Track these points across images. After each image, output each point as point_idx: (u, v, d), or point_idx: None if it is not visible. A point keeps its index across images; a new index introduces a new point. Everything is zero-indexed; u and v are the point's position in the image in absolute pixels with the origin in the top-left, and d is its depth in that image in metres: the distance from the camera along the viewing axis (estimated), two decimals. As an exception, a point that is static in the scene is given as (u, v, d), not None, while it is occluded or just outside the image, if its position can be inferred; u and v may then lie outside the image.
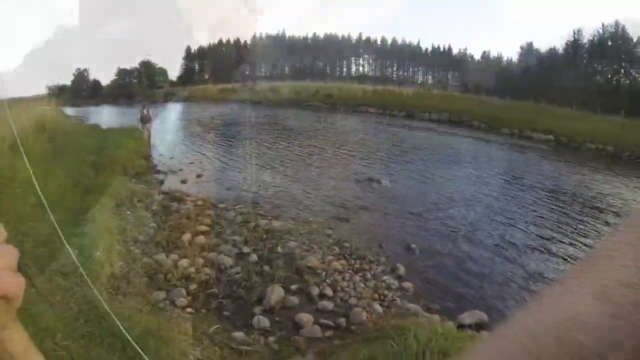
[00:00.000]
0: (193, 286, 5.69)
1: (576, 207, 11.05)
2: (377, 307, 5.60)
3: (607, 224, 9.68)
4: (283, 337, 4.68)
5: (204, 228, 7.80)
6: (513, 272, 7.08)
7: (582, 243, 8.48)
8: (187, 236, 7.27)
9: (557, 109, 32.33)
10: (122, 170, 10.96)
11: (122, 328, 3.11)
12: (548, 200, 11.54)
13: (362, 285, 6.19)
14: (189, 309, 5.08)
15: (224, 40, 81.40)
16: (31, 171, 3.46)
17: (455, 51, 66.53)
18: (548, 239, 8.60)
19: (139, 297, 4.84)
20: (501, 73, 55.44)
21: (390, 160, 16.25)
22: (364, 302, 5.69)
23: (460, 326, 4.85)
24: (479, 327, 5.20)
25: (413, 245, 7.84)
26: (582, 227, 9.49)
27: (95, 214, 6.93)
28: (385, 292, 6.07)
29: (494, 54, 63.56)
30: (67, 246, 3.90)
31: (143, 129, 16.14)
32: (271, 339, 4.60)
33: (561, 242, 8.55)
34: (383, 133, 24.40)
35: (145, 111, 15.94)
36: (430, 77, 68.46)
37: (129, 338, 2.88)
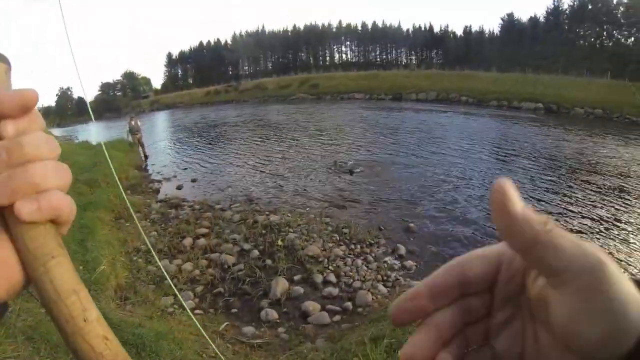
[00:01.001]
0: (199, 288, 5.79)
1: (574, 173, 11.17)
2: (382, 287, 5.72)
3: (610, 188, 9.85)
4: (292, 327, 4.80)
5: (203, 230, 7.88)
6: None
7: (582, 212, 8.57)
8: (188, 240, 7.36)
9: (543, 76, 32.26)
10: (116, 182, 10.99)
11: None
12: (544, 169, 11.65)
13: (365, 268, 6.29)
14: (197, 311, 5.18)
15: (204, 43, 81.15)
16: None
17: (436, 29, 66.52)
18: (548, 211, 8.63)
19: (147, 305, 4.93)
20: (484, 47, 55.36)
21: (381, 143, 16.31)
22: (368, 284, 5.80)
23: None
24: None
25: (411, 225, 7.96)
26: (580, 194, 9.59)
27: (95, 229, 7.00)
28: (388, 272, 6.19)
29: (475, 28, 63.61)
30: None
31: (133, 140, 16.12)
32: (280, 329, 4.71)
33: (561, 213, 8.61)
34: (370, 117, 24.41)
35: (133, 122, 15.88)
36: (413, 57, 68.35)
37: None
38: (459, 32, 64.38)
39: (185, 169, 14.63)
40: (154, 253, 3.49)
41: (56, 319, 0.38)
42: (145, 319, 4.34)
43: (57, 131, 30.32)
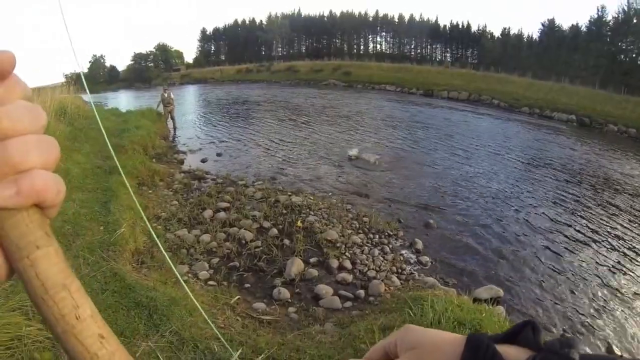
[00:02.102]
0: (215, 260, 5.82)
1: (598, 190, 10.83)
2: (395, 279, 5.67)
3: (632, 209, 9.53)
4: (302, 308, 4.78)
5: (224, 204, 7.91)
6: (529, 251, 7.05)
7: (601, 227, 8.38)
8: (208, 212, 7.40)
9: (579, 88, 31.28)
10: (142, 150, 11.13)
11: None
12: (567, 182, 11.36)
13: (381, 258, 6.25)
14: (211, 282, 5.20)
15: (239, 21, 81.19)
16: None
17: (474, 28, 65.15)
18: (566, 223, 8.48)
19: (162, 271, 4.97)
20: (521, 51, 53.97)
21: (409, 138, 16.13)
22: (383, 274, 5.76)
23: (476, 300, 4.88)
24: (494, 301, 5.29)
25: (431, 221, 7.88)
26: (601, 210, 9.34)
27: (118, 193, 7.09)
28: (404, 265, 6.15)
29: (514, 30, 62.11)
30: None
31: (164, 111, 16.24)
32: (291, 309, 4.70)
33: (579, 224, 8.44)
34: (400, 111, 24.14)
35: (166, 94, 15.98)
36: (448, 54, 67.08)
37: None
38: (497, 33, 62.95)
39: (211, 143, 14.72)
40: (159, 244, 3.45)
41: (45, 317, 0.35)
42: (160, 283, 4.37)
43: (88, 97, 30.80)
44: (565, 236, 7.80)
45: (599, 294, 5.95)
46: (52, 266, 0.34)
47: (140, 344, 3.15)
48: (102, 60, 74.84)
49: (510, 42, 57.45)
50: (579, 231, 8.10)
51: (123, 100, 33.29)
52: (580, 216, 8.88)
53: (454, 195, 9.62)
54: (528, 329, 0.40)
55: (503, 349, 0.39)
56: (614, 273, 6.59)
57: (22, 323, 2.84)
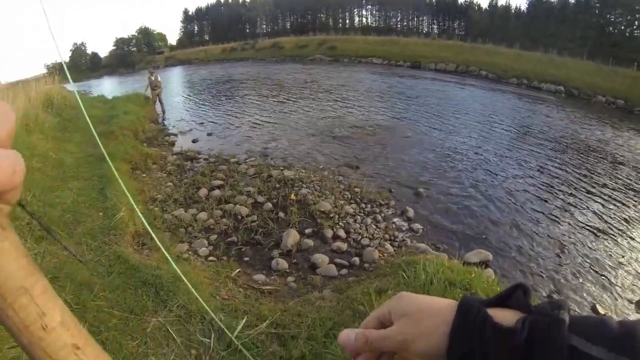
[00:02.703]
0: (213, 237, 5.98)
1: (584, 158, 10.99)
2: (389, 246, 5.87)
3: (615, 176, 9.71)
4: (301, 277, 4.98)
5: (218, 182, 8.05)
6: (515, 218, 7.21)
7: (587, 193, 8.56)
8: (203, 191, 7.54)
9: (567, 59, 31.03)
10: (133, 135, 11.17)
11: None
12: (554, 150, 11.50)
13: (374, 226, 6.44)
14: (211, 258, 5.38)
15: (222, 0, 79.65)
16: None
17: None
18: (552, 190, 8.65)
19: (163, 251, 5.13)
20: (509, 22, 53.41)
21: (397, 109, 16.18)
22: (376, 242, 5.95)
23: (466, 264, 5.06)
24: (484, 265, 5.50)
25: (421, 190, 8.07)
26: (586, 177, 9.49)
27: (113, 179, 7.19)
28: (396, 233, 6.34)
29: (501, 2, 61.30)
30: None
31: (152, 95, 16.17)
32: (290, 279, 4.89)
33: (565, 192, 8.59)
34: (388, 83, 24.07)
35: (153, 77, 15.85)
36: (435, 26, 66.12)
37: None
38: (484, 4, 62.24)
39: (201, 123, 14.73)
40: (150, 231, 3.59)
41: (6, 328, 0.31)
42: (162, 262, 4.53)
43: (71, 85, 30.32)
44: (551, 203, 8.00)
45: (585, 257, 6.16)
46: (8, 264, 0.29)
47: (150, 319, 3.34)
48: (83, 48, 73.47)
49: (498, 14, 56.84)
50: (564, 198, 8.28)
51: (108, 87, 32.88)
52: (567, 184, 9.05)
53: (442, 165, 9.76)
54: (519, 292, 0.43)
55: (494, 312, 0.42)
56: (598, 237, 6.79)
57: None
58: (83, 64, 69.42)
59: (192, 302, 3.61)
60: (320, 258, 5.38)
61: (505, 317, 0.41)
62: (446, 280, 3.69)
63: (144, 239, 5.48)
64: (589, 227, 7.09)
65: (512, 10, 57.60)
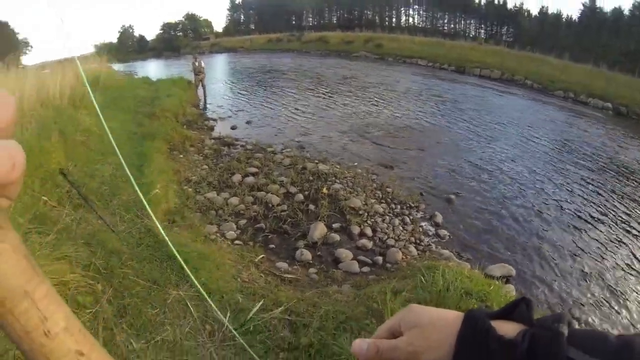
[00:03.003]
0: (242, 221, 6.10)
1: (627, 184, 10.17)
2: (413, 249, 5.84)
3: None
4: (322, 270, 5.02)
5: (253, 170, 8.18)
6: (544, 239, 6.89)
7: (630, 225, 7.86)
8: (237, 177, 7.69)
9: (618, 75, 29.33)
10: (174, 117, 11.46)
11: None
12: (598, 173, 10.74)
13: (401, 228, 6.40)
14: (237, 241, 5.49)
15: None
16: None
17: (510, 4, 62.42)
18: (590, 215, 8.05)
19: (192, 229, 5.28)
20: (559, 31, 51.57)
21: (437, 113, 15.93)
22: (401, 243, 5.93)
23: (488, 276, 4.94)
24: (506, 280, 5.38)
25: (453, 197, 7.94)
26: (633, 207, 8.74)
27: (152, 157, 7.42)
28: (422, 237, 6.29)
29: (552, 9, 59.00)
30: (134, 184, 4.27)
31: (195, 80, 16.49)
32: (311, 270, 4.94)
33: (605, 219, 7.97)
34: (431, 85, 23.68)
35: (197, 63, 16.16)
36: (482, 31, 64.53)
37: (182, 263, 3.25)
38: (535, 11, 60.13)
39: (241, 110, 14.96)
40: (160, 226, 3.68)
41: (7, 334, 0.30)
42: (190, 241, 4.66)
43: (118, 66, 31.26)
44: (584, 230, 7.48)
45: (612, 292, 5.72)
46: (7, 267, 0.28)
47: (171, 292, 3.45)
48: (130, 30, 75.54)
49: (548, 21, 54.87)
50: (599, 227, 7.68)
51: (153, 69, 33.70)
52: (608, 211, 8.44)
53: (475, 175, 9.51)
54: (522, 306, 0.45)
55: (498, 324, 0.43)
56: (630, 274, 6.24)
57: (67, 270, 3.15)
58: (130, 46, 71.34)
59: (213, 281, 3.70)
60: (344, 253, 5.40)
61: (509, 329, 0.42)
62: (463, 290, 3.66)
63: (175, 217, 5.65)
64: (621, 263, 6.57)
65: (563, 19, 55.49)
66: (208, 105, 15.79)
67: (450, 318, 0.47)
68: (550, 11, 56.95)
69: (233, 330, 2.98)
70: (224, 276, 3.89)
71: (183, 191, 6.85)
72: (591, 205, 8.56)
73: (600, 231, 7.49)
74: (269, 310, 3.43)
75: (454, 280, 3.75)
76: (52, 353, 0.29)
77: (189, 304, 3.34)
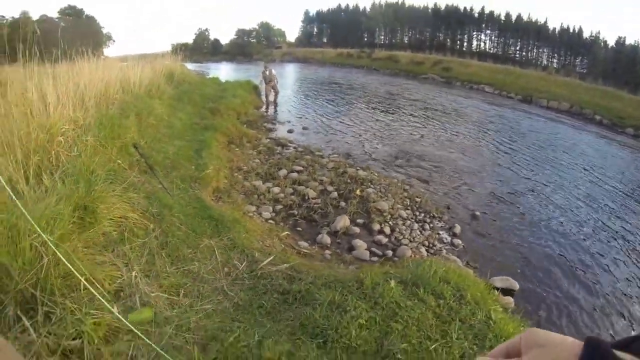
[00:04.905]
0: (279, 206, 6.99)
1: None
2: (423, 251, 6.27)
3: None
4: (337, 253, 5.73)
5: (299, 168, 9.08)
6: (570, 274, 6.44)
7: None
8: (283, 172, 8.64)
9: None
10: (236, 115, 12.67)
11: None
12: None
13: (418, 232, 6.87)
14: (270, 220, 6.38)
15: (342, 6, 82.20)
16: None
17: (586, 34, 59.82)
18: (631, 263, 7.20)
19: (234, 206, 6.23)
20: (636, 64, 48.72)
21: (496, 141, 15.84)
22: (414, 245, 6.41)
23: (489, 286, 4.84)
24: (507, 293, 5.44)
25: (478, 213, 8.11)
26: None
27: (210, 145, 8.53)
28: (436, 242, 6.66)
29: (630, 41, 55.46)
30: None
31: (266, 89, 17.62)
32: (327, 252, 5.67)
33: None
34: (497, 113, 23.29)
35: (267, 72, 17.15)
36: (555, 60, 62.08)
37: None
38: (611, 42, 56.42)
39: (300, 117, 15.94)
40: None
41: None
42: (229, 211, 5.60)
43: (191, 66, 33.56)
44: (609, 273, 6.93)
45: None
46: None
47: (204, 240, 4.39)
48: (206, 33, 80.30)
49: (625, 53, 51.79)
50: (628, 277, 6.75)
51: (224, 71, 35.73)
52: None
53: (515, 202, 9.22)
54: None
55: (619, 353, 0.44)
56: None
57: (129, 210, 4.14)
58: (205, 48, 75.66)
59: (239, 240, 4.59)
60: (360, 243, 6.08)
61: (627, 358, 0.44)
62: (444, 279, 3.97)
63: (222, 195, 6.65)
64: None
65: (641, 52, 51.69)
66: (271, 110, 16.95)
67: (569, 341, 0.50)
68: (627, 42, 53.52)
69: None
70: (250, 238, 4.78)
71: (233, 177, 7.87)
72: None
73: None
74: (277, 265, 4.25)
75: (443, 273, 4.06)
76: None
77: (216, 250, 4.24)
